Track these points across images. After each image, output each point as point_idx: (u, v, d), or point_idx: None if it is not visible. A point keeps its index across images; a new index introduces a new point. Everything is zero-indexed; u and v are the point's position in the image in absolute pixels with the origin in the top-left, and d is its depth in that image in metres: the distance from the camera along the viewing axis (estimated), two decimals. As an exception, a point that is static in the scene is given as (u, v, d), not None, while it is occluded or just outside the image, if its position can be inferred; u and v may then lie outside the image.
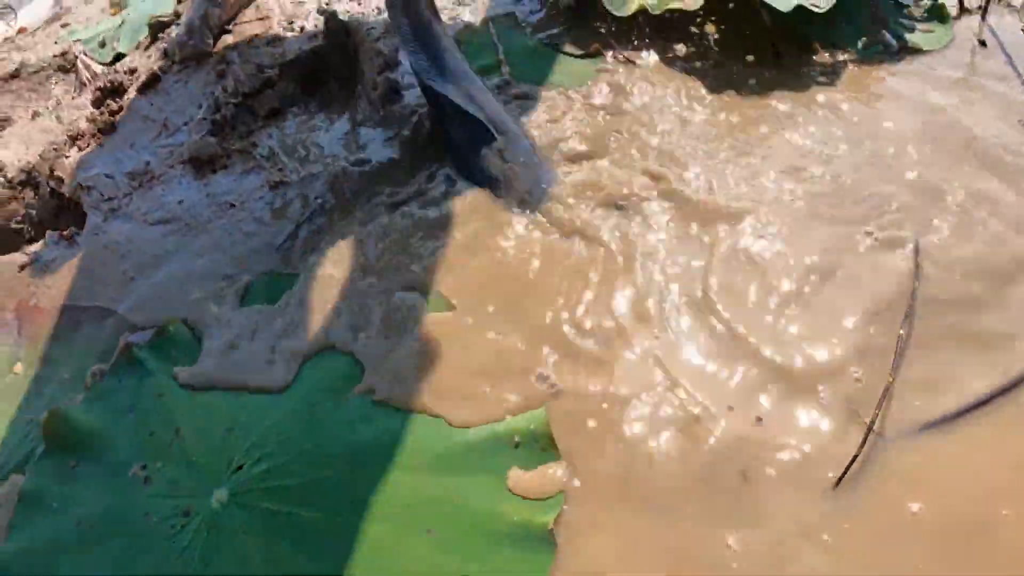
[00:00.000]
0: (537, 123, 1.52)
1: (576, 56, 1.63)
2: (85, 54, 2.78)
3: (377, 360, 1.18)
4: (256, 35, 1.99)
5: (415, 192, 1.45)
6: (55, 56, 3.04)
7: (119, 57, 2.67)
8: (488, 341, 1.17)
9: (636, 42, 1.67)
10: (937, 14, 1.69)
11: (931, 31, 1.66)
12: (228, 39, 2.04)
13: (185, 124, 1.81)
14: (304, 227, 1.43)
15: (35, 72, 3.02)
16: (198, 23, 2.05)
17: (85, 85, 2.54)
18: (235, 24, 2.08)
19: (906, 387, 1.04)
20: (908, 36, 1.64)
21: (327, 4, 1.98)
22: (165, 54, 2.08)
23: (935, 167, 1.34)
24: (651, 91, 1.56)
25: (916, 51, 1.61)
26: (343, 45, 1.81)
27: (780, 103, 1.49)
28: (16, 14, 6.26)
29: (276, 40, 1.93)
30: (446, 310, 1.23)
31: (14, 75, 3.08)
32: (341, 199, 1.46)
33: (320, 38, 1.85)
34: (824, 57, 1.61)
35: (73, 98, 2.52)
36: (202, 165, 1.62)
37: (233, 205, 1.50)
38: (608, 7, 1.66)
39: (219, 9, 2.06)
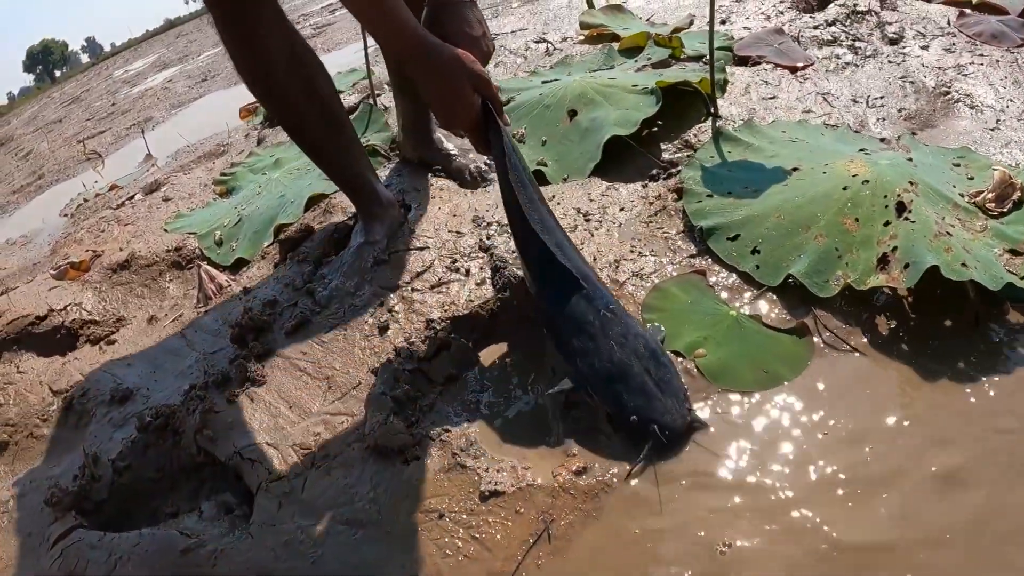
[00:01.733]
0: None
1: (780, 331, 1.40)
2: (205, 259, 2.60)
3: None
4: (417, 274, 1.78)
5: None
6: (168, 251, 2.85)
7: (240, 262, 2.48)
8: None
9: (840, 319, 1.44)
10: None
11: None
12: (385, 271, 1.83)
13: (354, 388, 1.59)
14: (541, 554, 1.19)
15: (147, 266, 2.84)
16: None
17: (211, 298, 2.34)
18: (391, 251, 1.88)
19: None
20: None
21: (488, 240, 1.78)
22: (311, 294, 1.86)
23: None
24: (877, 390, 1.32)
25: None
26: (519, 302, 1.59)
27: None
28: (103, 160, 6.13)
29: (441, 285, 1.72)
30: None
31: (124, 265, 2.89)
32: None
33: (492, 292, 1.64)
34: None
35: (198, 312, 2.31)
36: (390, 454, 1.38)
37: (442, 515, 1.25)
38: (812, 290, 1.47)
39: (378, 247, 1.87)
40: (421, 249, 1.86)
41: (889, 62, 2.71)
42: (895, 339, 1.40)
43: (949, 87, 2.45)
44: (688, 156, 2.06)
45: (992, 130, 2.16)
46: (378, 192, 1.99)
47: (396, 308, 1.72)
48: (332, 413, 1.58)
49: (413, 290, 1.75)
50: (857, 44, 2.85)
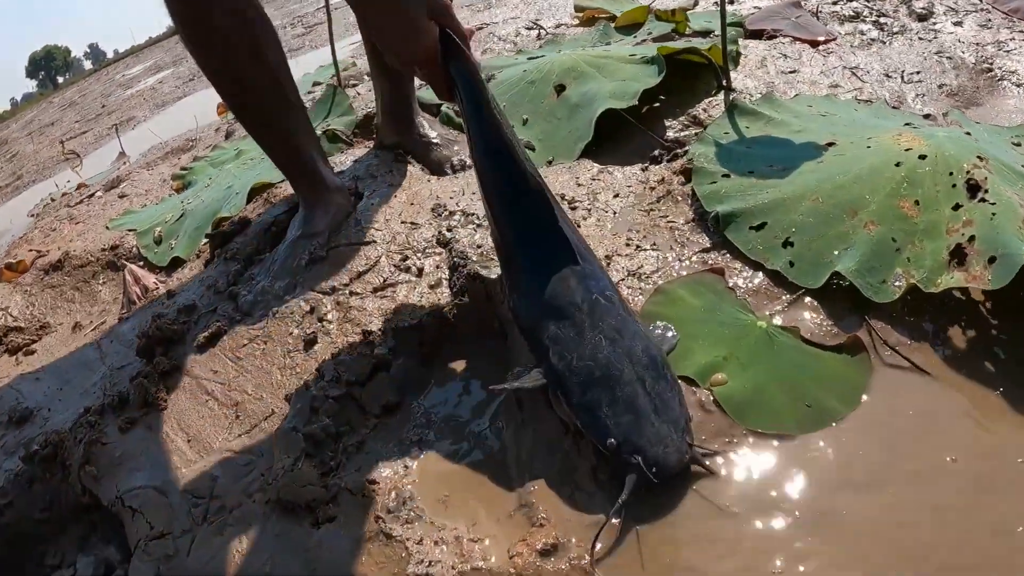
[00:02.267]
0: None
1: (825, 348, 1.00)
2: (141, 258, 2.19)
3: None
4: (359, 273, 1.38)
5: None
6: (104, 249, 2.45)
7: (176, 262, 2.08)
8: None
9: (904, 331, 1.05)
10: None
11: None
12: (321, 270, 1.43)
13: (267, 418, 1.19)
14: None
15: (80, 266, 2.43)
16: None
17: (134, 303, 1.93)
18: (331, 246, 1.49)
19: None
20: None
21: (448, 232, 1.38)
22: (234, 299, 1.47)
23: None
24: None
25: None
26: (480, 308, 1.20)
27: None
28: (81, 160, 5.75)
29: (386, 287, 1.32)
30: None
31: (57, 266, 2.49)
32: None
33: (449, 296, 1.24)
34: None
35: (120, 319, 1.92)
36: (297, 511, 0.98)
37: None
38: (866, 293, 1.09)
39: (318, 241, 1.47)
40: (366, 244, 1.46)
41: (919, 38, 2.32)
42: (977, 356, 1.01)
43: (991, 64, 2.08)
44: (697, 134, 1.66)
45: None
46: (322, 175, 1.60)
47: (329, 316, 1.32)
48: (236, 451, 1.18)
49: (352, 294, 1.35)
50: (882, 20, 2.46)
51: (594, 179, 1.59)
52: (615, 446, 0.88)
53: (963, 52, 2.16)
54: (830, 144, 1.42)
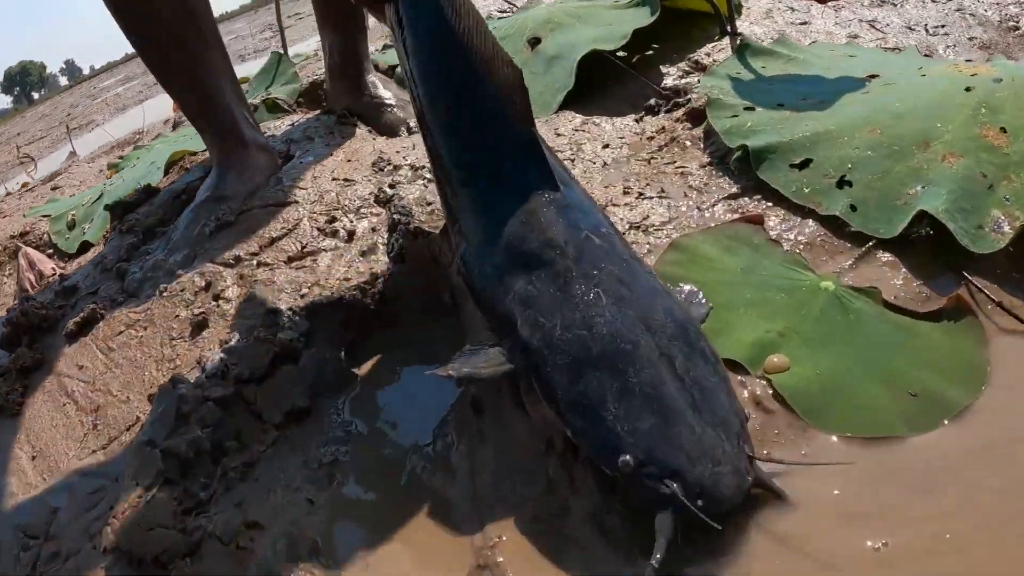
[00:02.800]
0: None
1: (918, 316, 0.65)
2: (49, 243, 1.83)
3: None
4: (272, 240, 1.02)
5: None
6: (12, 237, 2.08)
7: (86, 247, 1.70)
8: None
9: (1013, 287, 0.75)
10: None
11: None
12: (227, 238, 1.07)
13: (129, 428, 0.82)
14: None
15: (-14, 257, 2.04)
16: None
17: (27, 291, 1.56)
18: (241, 211, 1.13)
19: None
20: None
21: (392, 189, 1.02)
22: (121, 276, 1.11)
23: None
24: None
25: None
26: (426, 276, 0.84)
27: None
28: (36, 164, 5.35)
29: (305, 256, 0.96)
30: None
31: (-35, 259, 2.09)
32: None
33: (385, 264, 0.89)
34: None
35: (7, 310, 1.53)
36: (145, 567, 0.61)
37: None
38: (963, 241, 0.76)
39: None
40: (285, 205, 1.10)
41: (926, 4, 2.01)
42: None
43: (1018, 23, 1.78)
44: (699, 81, 1.32)
45: None
46: (241, 131, 1.25)
47: (227, 293, 0.95)
48: (85, 473, 0.82)
49: (260, 264, 0.99)
50: (892, -17, 2.14)
51: (577, 130, 1.25)
52: (631, 467, 0.52)
53: (985, 10, 1.87)
54: (872, 76, 1.09)
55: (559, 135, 1.22)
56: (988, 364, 0.64)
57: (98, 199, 1.86)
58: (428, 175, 1.12)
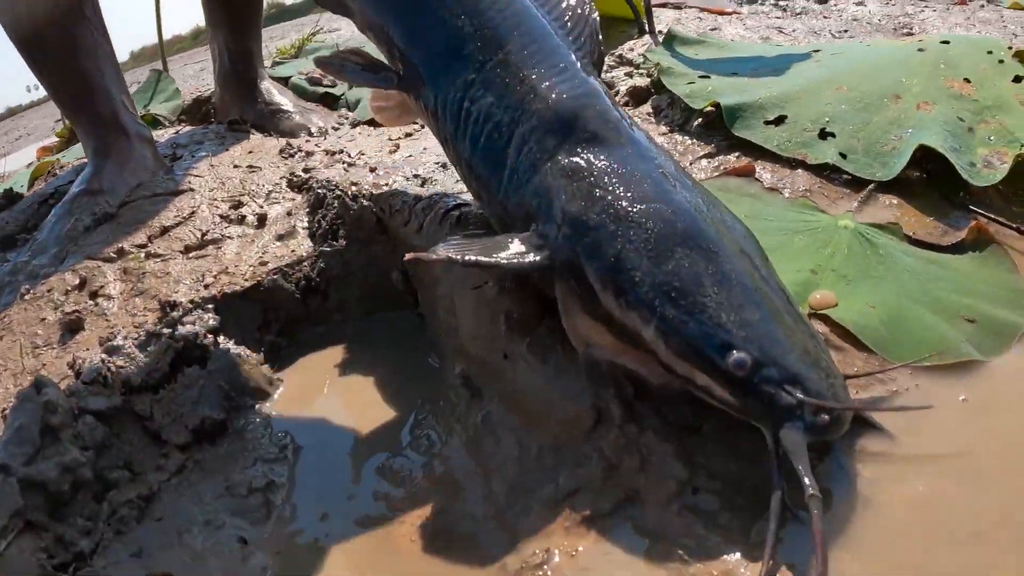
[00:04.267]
0: None
1: (942, 249, 0.59)
2: None
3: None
4: (163, 230, 0.85)
5: None
6: None
7: None
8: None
9: (1016, 215, 0.68)
10: None
11: None
12: (106, 233, 0.89)
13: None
14: None
15: None
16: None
17: None
18: (123, 204, 0.95)
19: None
20: None
21: (306, 173, 0.88)
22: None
23: None
24: None
25: None
26: (366, 255, 0.71)
27: None
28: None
29: (206, 244, 0.80)
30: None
31: None
32: None
33: (311, 245, 0.74)
34: None
35: None
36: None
37: None
38: (966, 175, 0.74)
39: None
40: (178, 193, 0.93)
41: (824, 17, 2.10)
42: None
43: (911, 29, 1.90)
44: (628, 73, 1.27)
45: None
46: (121, 119, 1.09)
47: (108, 290, 0.77)
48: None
49: (149, 256, 0.81)
50: (781, 3, 2.23)
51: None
52: (747, 367, 0.42)
53: (880, 20, 1.99)
54: (815, 51, 1.06)
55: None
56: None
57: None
58: (347, 159, 0.98)
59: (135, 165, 1.06)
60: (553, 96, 0.56)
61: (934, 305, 0.58)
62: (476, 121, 0.58)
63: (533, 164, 0.53)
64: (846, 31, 1.79)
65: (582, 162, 0.52)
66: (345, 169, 0.94)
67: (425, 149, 0.98)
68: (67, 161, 1.36)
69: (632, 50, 1.39)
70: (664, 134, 0.92)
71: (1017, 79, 0.89)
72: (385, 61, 0.70)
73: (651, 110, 1.02)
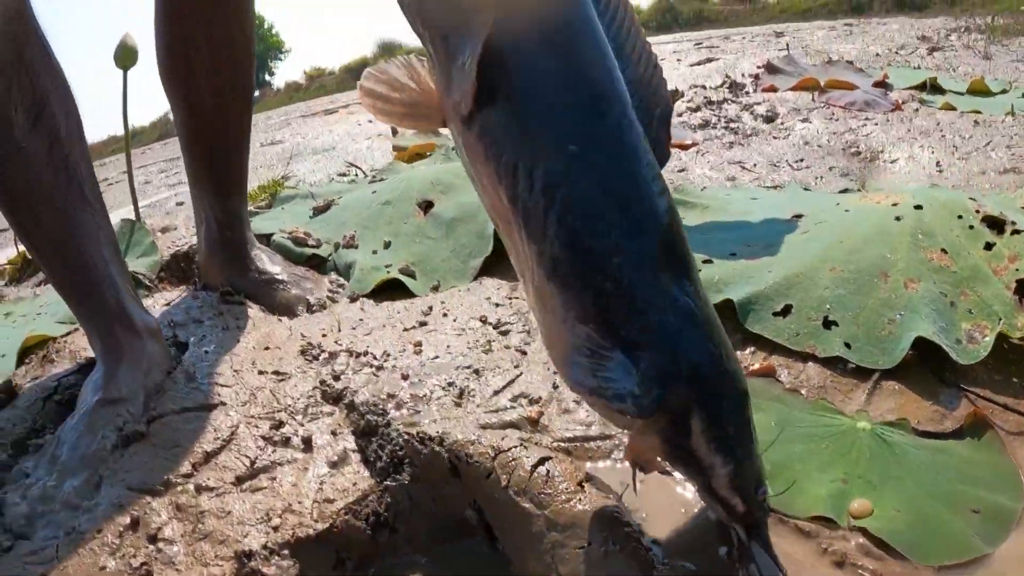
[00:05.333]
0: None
1: (945, 437, 0.75)
2: None
3: None
4: (207, 456, 0.91)
5: None
6: None
7: None
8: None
9: (1004, 388, 0.86)
10: None
11: None
12: (141, 455, 0.94)
13: None
14: None
15: None
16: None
17: None
18: (152, 416, 1.00)
19: None
20: None
21: (337, 380, 0.96)
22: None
23: None
24: None
25: None
26: (435, 490, 0.79)
27: None
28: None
29: (258, 473, 0.87)
30: None
31: None
32: None
33: (372, 476, 0.82)
34: None
35: None
36: None
37: None
38: (956, 356, 0.89)
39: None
40: (209, 408, 0.99)
41: (774, 137, 2.35)
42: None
43: (858, 148, 2.17)
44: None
45: (939, 173, 1.87)
46: (129, 313, 1.13)
47: (166, 531, 0.83)
48: None
49: (200, 489, 0.87)
50: (732, 125, 2.48)
51: (510, 297, 1.27)
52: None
53: (829, 140, 2.24)
54: (798, 216, 1.21)
55: (498, 305, 1.23)
56: (1017, 469, 0.76)
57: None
58: (374, 361, 1.06)
59: (149, 365, 1.11)
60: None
61: (946, 499, 0.72)
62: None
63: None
64: (802, 160, 1.98)
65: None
66: (375, 374, 1.03)
67: (449, 348, 1.07)
68: (63, 341, 1.39)
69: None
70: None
71: (988, 246, 1.05)
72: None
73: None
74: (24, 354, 1.40)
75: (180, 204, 3.98)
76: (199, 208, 1.53)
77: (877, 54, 4.45)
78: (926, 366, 0.90)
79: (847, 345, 0.91)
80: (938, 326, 0.91)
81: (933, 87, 2.81)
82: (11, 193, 1.08)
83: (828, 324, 0.94)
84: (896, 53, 4.54)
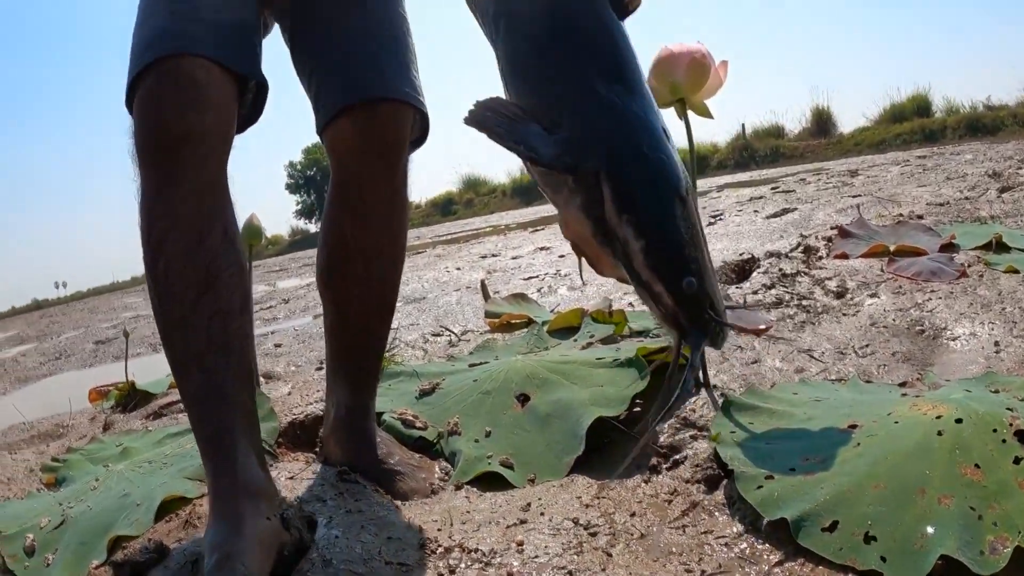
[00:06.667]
0: None
1: None
2: (2, 567, 1.80)
3: None
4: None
5: None
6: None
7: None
8: None
9: None
10: None
11: None
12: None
13: None
14: None
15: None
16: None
17: None
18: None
19: None
20: None
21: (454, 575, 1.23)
22: None
23: None
24: None
25: None
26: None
27: None
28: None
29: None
30: None
31: None
32: None
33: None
34: None
35: None
36: None
37: None
38: (975, 569, 1.08)
39: None
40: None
41: (844, 314, 2.59)
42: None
43: (922, 326, 2.39)
44: (692, 436, 1.66)
45: (996, 354, 2.08)
46: (237, 464, 1.23)
47: None
48: None
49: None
50: (804, 302, 2.73)
51: (598, 498, 1.52)
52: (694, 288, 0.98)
53: (894, 319, 2.44)
54: (853, 426, 1.45)
55: (587, 506, 1.48)
56: None
57: (60, 525, 1.85)
58: (483, 557, 1.32)
59: (261, 531, 1.16)
60: None
61: None
62: None
63: None
64: (867, 345, 2.21)
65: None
66: (483, 570, 1.28)
67: (547, 548, 1.32)
68: (199, 504, 1.68)
69: (694, 411, 1.76)
70: (741, 533, 1.28)
71: (1016, 460, 1.23)
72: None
73: (725, 499, 1.38)
74: (161, 511, 1.69)
75: (278, 346, 4.41)
76: (332, 390, 1.82)
77: (948, 202, 4.68)
78: (950, 573, 1.08)
79: (883, 559, 1.10)
80: (963, 540, 1.09)
81: (999, 244, 3.03)
82: (177, 359, 1.34)
83: (868, 539, 1.14)
84: (966, 198, 4.75)
